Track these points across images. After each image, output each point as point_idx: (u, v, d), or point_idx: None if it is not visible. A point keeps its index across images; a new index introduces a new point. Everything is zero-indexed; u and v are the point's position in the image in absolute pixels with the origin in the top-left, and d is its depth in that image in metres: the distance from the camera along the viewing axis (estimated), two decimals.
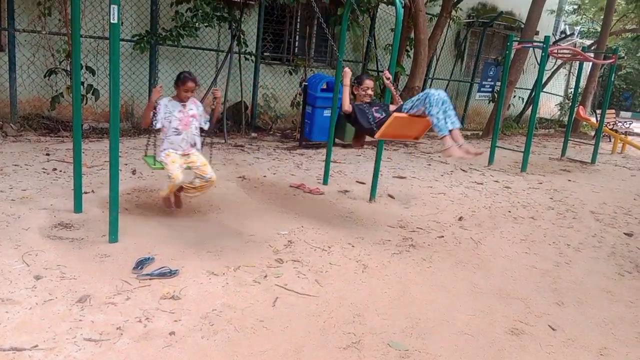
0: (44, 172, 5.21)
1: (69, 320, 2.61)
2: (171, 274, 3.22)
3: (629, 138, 12.41)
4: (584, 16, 16.84)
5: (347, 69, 4.55)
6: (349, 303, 3.14)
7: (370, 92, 4.56)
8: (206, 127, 4.43)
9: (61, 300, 2.80)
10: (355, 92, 4.58)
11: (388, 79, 4.71)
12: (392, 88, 4.70)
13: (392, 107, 4.49)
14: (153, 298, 2.92)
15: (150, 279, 3.13)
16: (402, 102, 4.44)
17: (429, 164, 7.90)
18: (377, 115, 4.35)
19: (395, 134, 4.41)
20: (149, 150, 4.30)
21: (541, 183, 7.34)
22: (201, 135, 4.44)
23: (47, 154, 5.92)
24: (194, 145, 4.36)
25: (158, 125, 4.17)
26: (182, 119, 4.22)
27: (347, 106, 4.37)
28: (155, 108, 4.13)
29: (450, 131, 3.99)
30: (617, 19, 14.87)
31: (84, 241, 3.61)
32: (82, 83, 6.64)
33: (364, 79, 4.59)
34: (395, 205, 5.46)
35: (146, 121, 4.18)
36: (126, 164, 5.80)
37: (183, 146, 4.26)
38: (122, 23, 7.52)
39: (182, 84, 4.15)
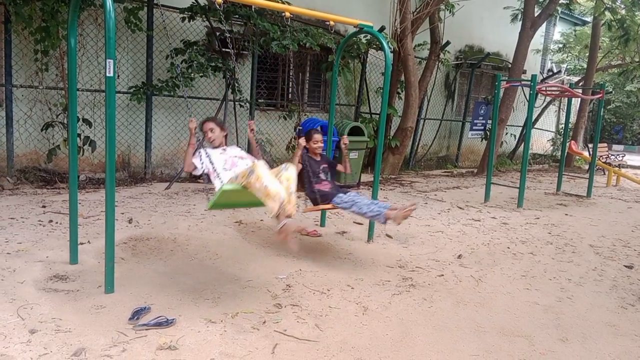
0: (40, 224, 5.19)
1: None
2: (168, 323, 3.16)
3: (623, 170, 12.52)
4: (570, 54, 17.30)
5: (301, 140, 4.83)
6: (350, 347, 3.08)
7: (320, 144, 4.98)
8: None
9: (56, 354, 2.74)
10: (307, 147, 4.94)
11: (345, 144, 5.10)
12: (345, 152, 5.15)
13: (339, 167, 5.12)
14: (149, 349, 2.87)
15: (146, 329, 3.08)
16: (349, 169, 5.13)
17: (426, 203, 7.92)
18: (322, 176, 4.88)
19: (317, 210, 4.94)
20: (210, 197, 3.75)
21: (538, 218, 7.34)
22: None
23: (44, 206, 5.92)
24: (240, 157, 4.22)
25: (200, 171, 4.00)
26: (227, 160, 4.05)
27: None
28: (195, 151, 4.04)
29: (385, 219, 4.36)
30: (602, 56, 15.28)
31: (79, 293, 3.57)
32: (79, 135, 6.73)
33: (313, 133, 4.95)
34: (393, 244, 5.44)
35: (187, 162, 4.01)
36: (123, 213, 5.79)
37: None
38: (118, 76, 7.72)
39: (202, 127, 4.24)
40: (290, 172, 3.67)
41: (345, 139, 5.13)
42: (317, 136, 4.97)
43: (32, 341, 2.85)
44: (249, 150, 4.62)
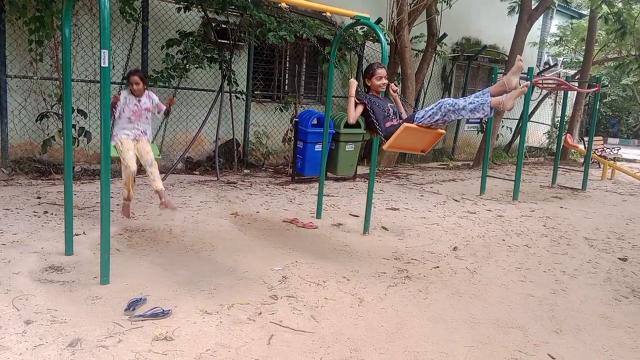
0: (35, 215, 5.17)
1: None
2: (164, 314, 3.16)
3: (618, 164, 12.57)
4: (566, 47, 17.29)
5: (353, 80, 4.18)
6: (345, 338, 3.09)
7: (385, 80, 4.23)
8: (159, 116, 5.37)
9: (52, 345, 2.74)
10: (369, 84, 4.25)
11: (395, 91, 4.38)
12: (399, 100, 4.35)
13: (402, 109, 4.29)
14: (145, 340, 2.87)
15: (142, 320, 3.08)
16: (404, 112, 4.28)
17: (422, 195, 7.93)
18: (391, 113, 4.08)
19: (403, 145, 4.12)
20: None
21: (533, 211, 7.37)
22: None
23: (39, 197, 5.90)
24: (144, 133, 5.11)
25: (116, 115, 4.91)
26: (135, 111, 4.99)
27: (352, 119, 4.08)
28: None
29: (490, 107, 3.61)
30: (598, 49, 15.28)
31: (75, 284, 3.56)
32: (74, 126, 6.69)
33: (375, 67, 4.24)
34: (389, 237, 5.45)
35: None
36: (118, 205, 5.77)
37: (132, 134, 5.01)
38: (113, 66, 7.67)
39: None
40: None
41: (394, 86, 4.40)
42: (381, 70, 4.24)
43: (27, 332, 2.85)
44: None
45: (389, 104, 4.17)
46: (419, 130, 3.87)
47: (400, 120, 4.02)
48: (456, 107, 3.68)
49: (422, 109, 3.99)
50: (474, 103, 3.63)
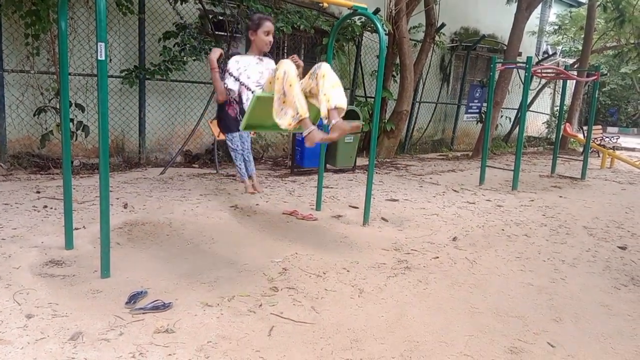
0: (35, 210, 5.17)
1: (62, 359, 2.56)
2: (165, 307, 3.17)
3: (617, 152, 12.57)
4: (565, 36, 17.22)
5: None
6: (346, 329, 3.10)
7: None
8: None
9: (53, 338, 2.75)
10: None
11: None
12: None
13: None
14: (147, 332, 2.88)
15: (143, 313, 3.09)
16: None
17: (421, 186, 7.94)
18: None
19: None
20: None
21: (533, 200, 7.37)
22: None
23: (38, 192, 5.89)
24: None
25: (232, 86, 3.44)
26: (264, 73, 3.45)
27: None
28: (222, 71, 3.40)
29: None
30: (597, 37, 15.23)
31: (75, 278, 3.57)
32: (72, 120, 6.67)
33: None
34: (389, 228, 5.46)
35: (221, 91, 3.45)
36: (117, 199, 5.78)
37: None
38: (110, 60, 7.64)
39: (259, 27, 3.48)
40: (323, 68, 3.15)
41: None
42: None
43: (28, 326, 2.86)
44: None
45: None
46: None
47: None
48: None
49: None
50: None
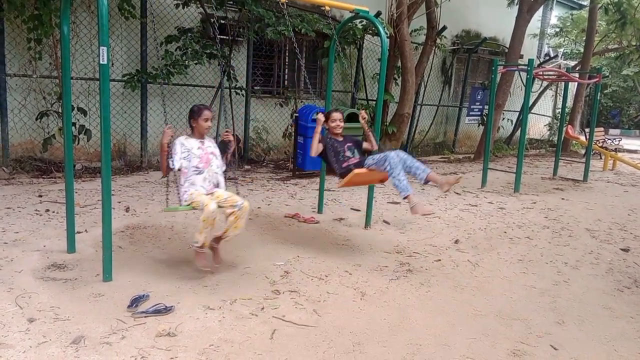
0: (37, 214, 5.18)
1: None
2: (167, 310, 3.17)
3: (619, 154, 12.54)
4: (567, 38, 17.21)
5: (320, 116, 4.56)
6: (348, 332, 3.10)
7: (339, 123, 4.67)
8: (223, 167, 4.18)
9: (55, 342, 2.75)
10: (326, 127, 4.68)
11: (364, 119, 4.74)
12: (367, 128, 4.79)
13: (365, 145, 4.78)
14: (149, 336, 2.88)
15: (145, 317, 3.09)
16: (374, 143, 4.78)
17: (423, 189, 7.92)
18: (348, 154, 4.57)
19: (356, 183, 4.62)
20: (170, 202, 3.98)
21: (535, 203, 7.36)
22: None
23: (40, 196, 5.90)
24: (217, 185, 4.02)
25: (177, 166, 3.78)
26: (202, 157, 3.90)
27: (313, 152, 4.52)
28: (169, 149, 3.77)
29: (426, 178, 4.25)
30: (599, 40, 15.21)
31: (77, 281, 3.57)
32: (74, 124, 6.69)
33: (331, 112, 4.72)
34: (390, 230, 5.45)
35: (164, 167, 3.81)
36: (119, 202, 5.78)
37: (206, 186, 3.91)
38: (112, 64, 7.67)
39: (199, 115, 3.86)
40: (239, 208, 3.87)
41: (363, 113, 4.73)
42: (336, 115, 4.69)
43: (30, 330, 2.86)
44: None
45: (346, 145, 4.63)
46: (368, 172, 4.42)
47: (358, 160, 4.55)
48: (392, 173, 4.22)
49: (371, 155, 4.56)
50: (416, 165, 4.30)
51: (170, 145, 3.82)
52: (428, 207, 4.35)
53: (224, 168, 4.18)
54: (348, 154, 4.59)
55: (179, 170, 3.87)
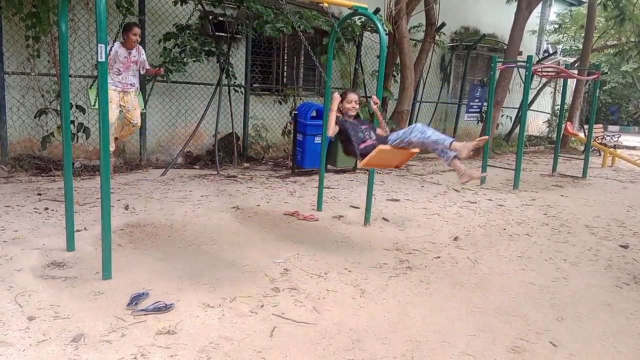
0: (36, 212, 5.18)
1: None
2: (166, 308, 3.18)
3: (618, 151, 12.55)
4: (565, 35, 17.20)
5: (336, 94, 4.49)
6: (347, 329, 3.10)
7: (355, 105, 4.50)
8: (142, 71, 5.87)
9: (55, 340, 2.75)
10: (341, 108, 4.49)
11: (376, 104, 4.67)
12: (379, 114, 4.66)
13: (378, 131, 4.49)
14: (148, 334, 2.88)
15: (145, 315, 3.09)
16: (387, 128, 4.58)
17: (422, 186, 7.93)
18: (365, 135, 4.34)
19: (378, 163, 4.56)
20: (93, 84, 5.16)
21: (534, 199, 7.37)
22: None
23: (39, 194, 5.90)
24: (132, 85, 5.58)
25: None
26: (124, 63, 5.38)
27: (330, 131, 4.40)
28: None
29: (450, 144, 4.05)
30: (598, 36, 15.21)
31: (77, 279, 3.57)
32: (73, 122, 6.68)
33: (348, 92, 4.54)
34: (390, 228, 5.45)
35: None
36: (119, 200, 5.78)
37: (120, 86, 5.48)
38: None
39: (130, 29, 5.41)
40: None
41: (375, 98, 4.69)
42: (352, 95, 4.52)
43: (30, 328, 2.86)
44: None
45: (362, 126, 4.43)
46: (392, 150, 4.23)
47: (375, 141, 4.29)
48: (424, 135, 4.06)
49: (394, 131, 4.36)
50: (439, 137, 4.10)
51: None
52: (476, 172, 4.21)
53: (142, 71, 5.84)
54: (365, 134, 4.38)
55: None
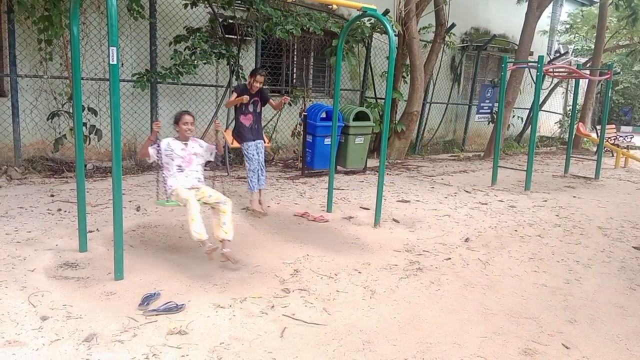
0: (49, 213, 5.23)
1: None
2: (177, 308, 3.19)
3: (631, 152, 12.41)
4: (577, 35, 17.06)
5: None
6: (358, 330, 3.10)
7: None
8: (212, 158, 4.66)
9: (68, 340, 2.77)
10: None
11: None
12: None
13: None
14: (160, 334, 2.90)
15: (156, 315, 3.11)
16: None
17: (432, 187, 7.90)
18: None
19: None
20: (160, 195, 4.33)
21: (546, 200, 7.31)
22: (205, 169, 4.55)
23: (52, 195, 5.96)
24: (200, 181, 4.45)
25: (152, 159, 4.27)
26: (185, 157, 4.36)
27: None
28: (156, 143, 4.23)
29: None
30: (610, 36, 15.07)
31: (89, 280, 3.60)
32: (85, 124, 6.72)
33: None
34: (400, 229, 5.44)
35: (143, 152, 4.26)
36: (130, 201, 5.82)
37: (188, 183, 4.33)
38: (122, 64, 7.71)
39: (180, 119, 4.34)
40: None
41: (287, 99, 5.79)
42: (259, 77, 5.63)
43: (43, 328, 2.89)
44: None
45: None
46: None
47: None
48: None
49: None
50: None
51: (158, 140, 4.26)
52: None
53: (213, 157, 4.66)
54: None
55: (159, 165, 4.31)
